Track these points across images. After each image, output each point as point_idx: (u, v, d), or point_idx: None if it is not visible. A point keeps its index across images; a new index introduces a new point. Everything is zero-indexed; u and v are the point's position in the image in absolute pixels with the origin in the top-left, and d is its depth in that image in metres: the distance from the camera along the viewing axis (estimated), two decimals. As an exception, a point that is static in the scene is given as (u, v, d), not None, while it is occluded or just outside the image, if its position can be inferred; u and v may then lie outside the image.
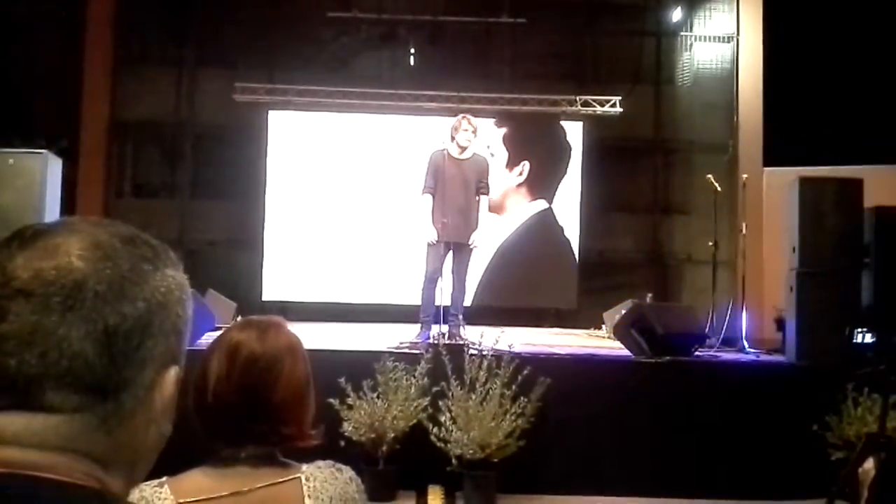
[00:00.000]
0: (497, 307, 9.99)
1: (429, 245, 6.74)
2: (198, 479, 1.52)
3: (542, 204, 10.68)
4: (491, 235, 10.33)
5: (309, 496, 1.53)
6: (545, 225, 10.65)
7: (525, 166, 10.62)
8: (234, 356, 1.56)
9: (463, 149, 6.69)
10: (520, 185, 10.64)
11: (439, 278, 6.69)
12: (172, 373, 0.81)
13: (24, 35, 10.15)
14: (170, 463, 1.64)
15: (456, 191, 6.61)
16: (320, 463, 1.59)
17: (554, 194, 10.70)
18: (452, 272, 6.70)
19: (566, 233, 10.70)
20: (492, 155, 10.59)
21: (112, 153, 10.91)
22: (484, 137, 10.38)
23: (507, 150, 10.65)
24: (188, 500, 1.48)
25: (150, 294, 0.77)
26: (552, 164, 10.73)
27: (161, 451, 0.87)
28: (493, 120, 10.64)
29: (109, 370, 0.74)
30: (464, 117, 6.81)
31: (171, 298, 0.79)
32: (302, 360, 1.62)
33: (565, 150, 10.74)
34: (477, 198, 6.79)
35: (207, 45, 10.97)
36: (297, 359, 1.61)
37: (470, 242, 6.70)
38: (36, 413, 0.73)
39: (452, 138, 6.73)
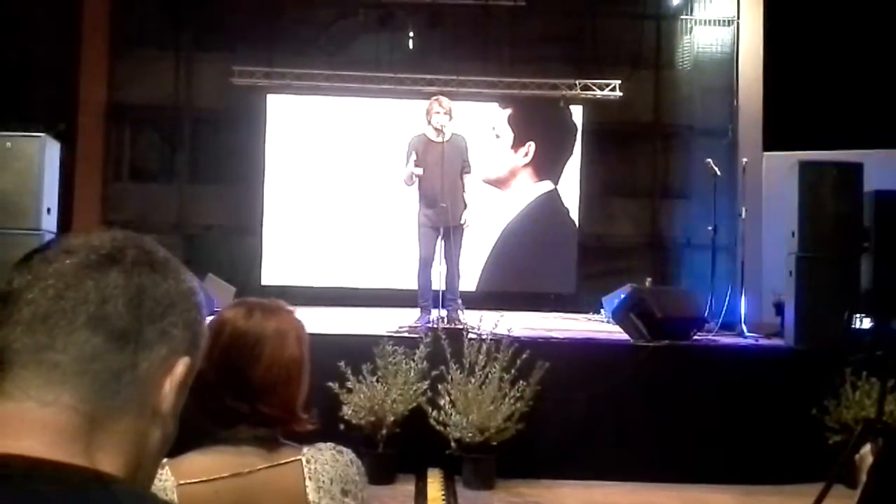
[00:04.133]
0: (497, 291, 9.99)
1: (419, 231, 6.74)
2: (198, 461, 1.52)
3: (547, 185, 10.65)
4: (496, 217, 10.34)
5: (309, 478, 1.53)
6: (550, 206, 10.63)
7: (531, 147, 10.59)
8: (218, 333, 1.56)
9: (439, 131, 6.63)
10: (525, 165, 10.62)
11: (433, 263, 6.69)
12: (185, 361, 0.84)
13: (21, 17, 10.08)
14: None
15: (439, 174, 6.55)
16: (321, 445, 1.59)
17: (560, 175, 10.68)
18: (445, 256, 6.66)
19: (571, 216, 10.68)
20: (497, 137, 10.57)
21: (110, 137, 10.87)
22: (486, 119, 10.43)
23: (513, 131, 10.62)
24: (189, 481, 1.48)
25: (178, 279, 0.85)
26: (558, 144, 10.69)
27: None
28: (497, 102, 10.62)
29: (133, 324, 0.80)
30: (436, 99, 6.76)
31: (194, 296, 0.87)
32: (293, 343, 1.60)
33: (571, 129, 10.70)
34: (462, 178, 6.76)
35: (205, 29, 10.90)
36: (284, 342, 1.59)
37: (462, 222, 6.67)
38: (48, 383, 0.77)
39: (429, 122, 6.70)
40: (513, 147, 10.60)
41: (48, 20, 10.35)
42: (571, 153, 10.68)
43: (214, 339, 1.55)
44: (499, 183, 10.51)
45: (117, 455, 0.78)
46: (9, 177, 6.20)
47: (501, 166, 10.53)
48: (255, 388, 1.54)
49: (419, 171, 6.62)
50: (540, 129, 10.71)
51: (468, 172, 6.81)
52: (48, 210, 6.36)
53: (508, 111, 10.65)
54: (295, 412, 1.58)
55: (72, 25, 10.35)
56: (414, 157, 6.70)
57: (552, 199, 10.66)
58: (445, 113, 6.61)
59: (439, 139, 6.61)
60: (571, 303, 10.32)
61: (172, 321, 0.83)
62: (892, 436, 4.00)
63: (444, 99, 6.76)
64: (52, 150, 6.52)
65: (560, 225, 10.63)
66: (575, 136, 10.70)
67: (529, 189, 10.65)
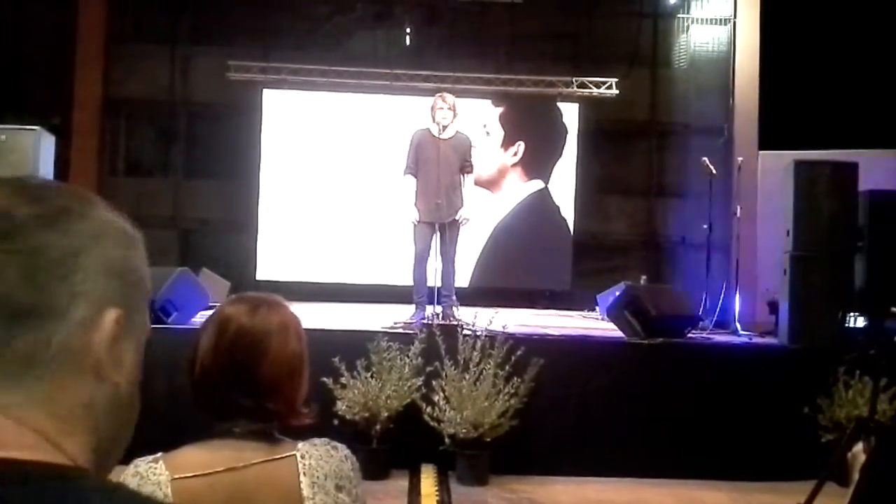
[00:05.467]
0: (491, 288, 9.99)
1: (414, 226, 6.74)
2: (193, 455, 1.52)
3: (538, 184, 10.67)
4: (487, 215, 10.35)
5: (304, 473, 1.53)
6: (541, 205, 10.65)
7: (520, 146, 10.60)
8: (223, 329, 1.56)
9: (443, 127, 6.62)
10: (515, 164, 10.63)
11: (428, 258, 6.69)
12: (112, 314, 0.74)
13: (16, 11, 10.05)
14: (166, 439, 1.65)
15: (439, 171, 6.54)
16: (316, 441, 1.59)
17: (550, 175, 10.70)
18: (440, 253, 6.67)
19: (562, 213, 10.70)
20: (487, 134, 10.57)
21: (105, 131, 10.85)
22: (478, 117, 10.44)
23: (504, 129, 10.63)
24: (183, 475, 1.48)
25: (80, 228, 0.74)
26: (548, 144, 10.70)
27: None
28: (490, 99, 10.62)
29: (33, 296, 0.70)
30: (440, 96, 6.75)
31: (105, 237, 0.76)
32: (294, 338, 1.61)
33: (561, 131, 10.72)
34: (461, 177, 6.76)
35: (201, 23, 10.88)
36: (287, 337, 1.60)
37: (458, 217, 6.66)
38: None
39: (432, 118, 6.69)
40: (502, 146, 10.61)
41: (44, 14, 10.32)
42: (561, 155, 10.70)
43: (219, 335, 1.56)
44: (489, 184, 10.51)
45: (73, 435, 0.72)
46: (3, 170, 6.17)
47: (490, 165, 10.54)
48: (262, 384, 1.54)
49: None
50: (531, 129, 10.72)
51: (469, 172, 6.81)
52: (43, 203, 6.33)
53: (500, 109, 10.66)
54: (295, 407, 1.59)
55: (68, 19, 10.32)
56: (410, 166, 6.71)
57: (542, 197, 10.67)
58: (449, 109, 6.61)
59: (443, 136, 6.63)
60: (566, 300, 10.33)
61: (80, 277, 0.72)
62: (885, 435, 4.03)
63: (448, 95, 6.76)
64: (47, 144, 6.51)
65: (551, 223, 10.65)
66: (565, 138, 10.72)
67: (519, 188, 10.66)
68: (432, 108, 6.67)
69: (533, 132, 10.71)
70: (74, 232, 0.73)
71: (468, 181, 6.80)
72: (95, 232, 0.75)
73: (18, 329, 0.69)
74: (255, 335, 1.56)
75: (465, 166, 6.76)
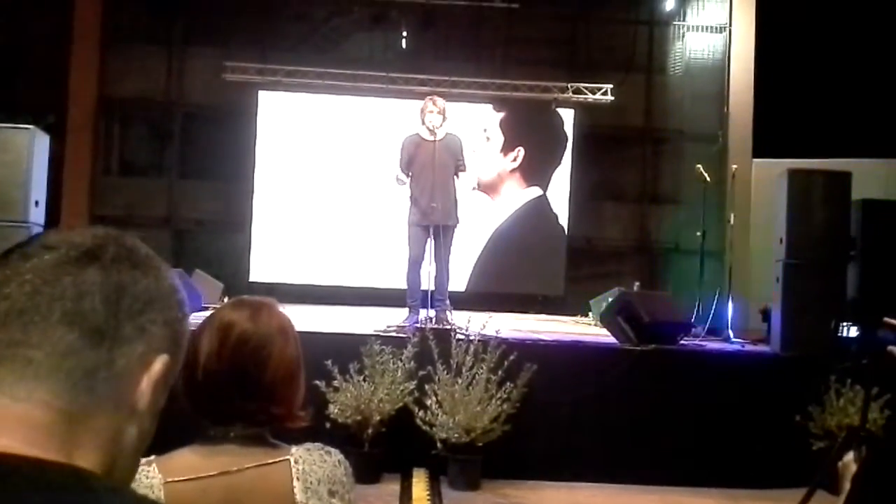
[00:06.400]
0: (486, 293, 10.00)
1: (410, 229, 6.73)
2: (187, 459, 1.52)
3: (536, 191, 10.69)
4: (485, 221, 10.36)
5: (297, 478, 1.52)
6: (538, 212, 10.66)
7: (520, 152, 10.60)
8: (226, 334, 1.56)
9: (433, 131, 6.62)
10: (513, 170, 10.64)
11: (422, 262, 6.68)
12: (164, 358, 0.82)
13: (12, 9, 10.03)
14: (159, 442, 1.64)
15: (433, 174, 6.50)
16: (309, 445, 1.59)
17: (548, 182, 10.71)
18: (435, 256, 6.65)
19: (559, 221, 10.71)
20: (487, 139, 10.58)
21: (100, 130, 10.82)
22: (478, 121, 10.44)
23: (504, 134, 10.64)
24: (176, 479, 1.48)
25: (159, 277, 0.84)
26: (547, 151, 10.72)
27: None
28: (492, 105, 10.64)
29: (110, 320, 0.78)
30: (430, 99, 6.73)
31: (175, 294, 0.85)
32: (293, 341, 1.62)
33: (561, 138, 10.73)
34: (455, 178, 6.75)
35: (198, 23, 10.87)
36: (288, 340, 1.60)
37: (448, 221, 6.65)
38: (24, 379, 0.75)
39: (422, 121, 6.68)
40: (502, 151, 10.62)
41: (40, 13, 10.30)
42: (560, 163, 10.72)
43: (222, 340, 1.55)
44: (488, 189, 10.53)
45: (93, 452, 0.77)
46: (-3, 168, 6.15)
47: (490, 169, 10.55)
48: (267, 388, 1.55)
49: (404, 179, 6.62)
50: (531, 135, 10.73)
51: (463, 171, 6.79)
52: (36, 203, 6.31)
53: (502, 115, 10.67)
54: (294, 410, 1.60)
55: (64, 18, 10.30)
56: (403, 172, 6.70)
57: (541, 204, 10.68)
58: (439, 112, 6.58)
59: (432, 139, 6.59)
60: (559, 305, 10.34)
61: (151, 318, 0.81)
62: (876, 444, 4.03)
63: (438, 99, 6.74)
64: (41, 143, 6.47)
65: (548, 230, 10.66)
66: (565, 146, 10.73)
67: (518, 195, 10.67)
68: (422, 111, 6.65)
69: (533, 138, 10.72)
70: (152, 280, 0.83)
71: (462, 181, 6.80)
72: (167, 290, 0.84)
73: (90, 343, 0.77)
74: (259, 340, 1.56)
75: (459, 166, 6.75)
